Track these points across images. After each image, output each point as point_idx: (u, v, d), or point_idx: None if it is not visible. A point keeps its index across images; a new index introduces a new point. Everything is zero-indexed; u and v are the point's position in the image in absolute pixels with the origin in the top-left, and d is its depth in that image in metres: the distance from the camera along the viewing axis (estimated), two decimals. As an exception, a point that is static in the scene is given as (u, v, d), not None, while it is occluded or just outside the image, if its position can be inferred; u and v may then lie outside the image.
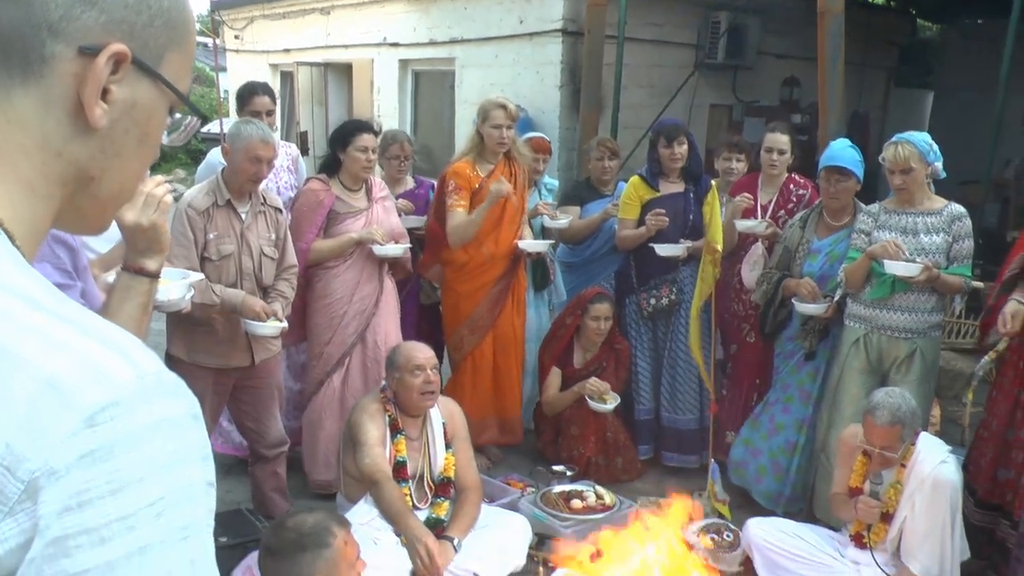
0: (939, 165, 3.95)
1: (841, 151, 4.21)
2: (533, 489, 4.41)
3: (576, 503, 4.19)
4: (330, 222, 4.31)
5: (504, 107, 4.52)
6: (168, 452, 0.78)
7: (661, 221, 4.68)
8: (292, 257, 3.95)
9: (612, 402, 4.65)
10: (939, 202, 4.00)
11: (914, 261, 3.84)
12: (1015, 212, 9.74)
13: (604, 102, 7.81)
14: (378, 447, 3.62)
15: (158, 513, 0.76)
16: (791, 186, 4.76)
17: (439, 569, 3.46)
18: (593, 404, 4.66)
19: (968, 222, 3.95)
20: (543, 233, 5.13)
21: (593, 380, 4.67)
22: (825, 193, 4.30)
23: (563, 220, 4.97)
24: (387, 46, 10.12)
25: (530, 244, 4.63)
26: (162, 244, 1.77)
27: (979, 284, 4.70)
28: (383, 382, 3.85)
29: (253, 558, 3.11)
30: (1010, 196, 10.12)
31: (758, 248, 4.69)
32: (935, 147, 3.92)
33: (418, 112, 10.32)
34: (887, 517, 3.51)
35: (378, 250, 4.29)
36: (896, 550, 3.52)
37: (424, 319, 5.10)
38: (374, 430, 3.65)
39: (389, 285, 4.51)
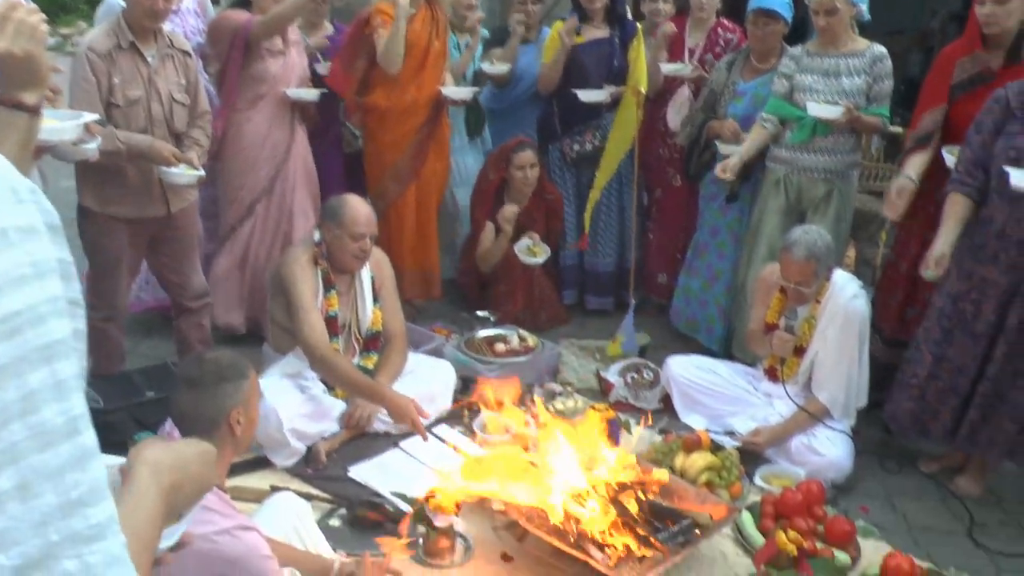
0: (864, 7, 3.92)
1: None
2: (458, 335, 4.45)
3: (500, 346, 4.25)
4: (249, 57, 4.16)
5: None
6: (20, 264, 0.73)
7: (572, 24, 4.61)
8: (205, 103, 3.81)
9: (542, 255, 4.64)
10: (862, 43, 3.98)
11: (836, 104, 3.85)
12: (939, 60, 9.75)
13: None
14: (315, 312, 3.57)
15: (13, 329, 0.72)
16: (719, 30, 4.72)
17: (420, 426, 3.55)
18: (524, 258, 4.66)
19: (888, 63, 3.95)
20: (474, 80, 5.02)
21: (526, 237, 4.62)
22: (753, 36, 4.27)
23: (502, 67, 4.87)
24: None
25: (454, 91, 4.51)
26: (40, 75, 1.63)
27: (898, 130, 4.74)
28: (316, 232, 3.75)
29: None
30: (934, 46, 10.14)
31: (684, 91, 4.67)
32: None
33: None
34: (800, 351, 3.65)
35: (292, 93, 4.17)
36: (807, 382, 3.67)
37: (347, 168, 4.99)
38: (307, 288, 3.58)
39: (300, 132, 4.39)
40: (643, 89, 4.20)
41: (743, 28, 4.53)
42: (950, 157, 3.47)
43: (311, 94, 4.23)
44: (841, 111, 3.79)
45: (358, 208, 3.62)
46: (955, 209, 3.29)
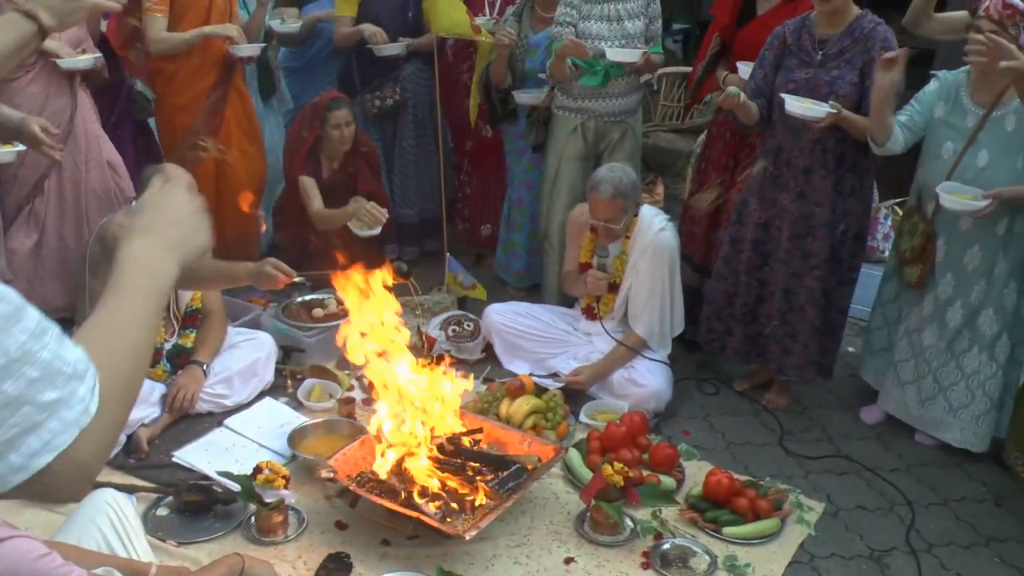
0: None
1: None
2: (275, 304, 4.30)
3: (318, 312, 4.13)
4: None
5: None
6: None
7: (378, 36, 4.51)
8: None
9: (379, 226, 4.43)
10: None
11: (634, 48, 3.90)
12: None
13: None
14: None
15: None
16: None
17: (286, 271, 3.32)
18: (357, 231, 4.51)
19: (659, 2, 4.06)
20: (265, 37, 4.77)
21: (371, 206, 4.41)
22: None
23: (294, 24, 4.68)
24: None
25: (242, 48, 4.27)
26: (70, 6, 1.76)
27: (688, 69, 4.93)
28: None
29: None
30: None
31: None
32: None
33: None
34: (614, 287, 3.74)
35: (65, 63, 3.82)
36: (623, 317, 3.77)
37: (142, 135, 4.69)
38: None
39: (85, 99, 4.05)
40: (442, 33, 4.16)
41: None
42: (745, 68, 3.71)
43: (85, 61, 3.89)
44: (639, 54, 3.86)
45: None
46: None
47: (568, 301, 4.17)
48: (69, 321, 3.82)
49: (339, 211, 4.45)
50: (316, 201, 4.50)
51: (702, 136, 5.50)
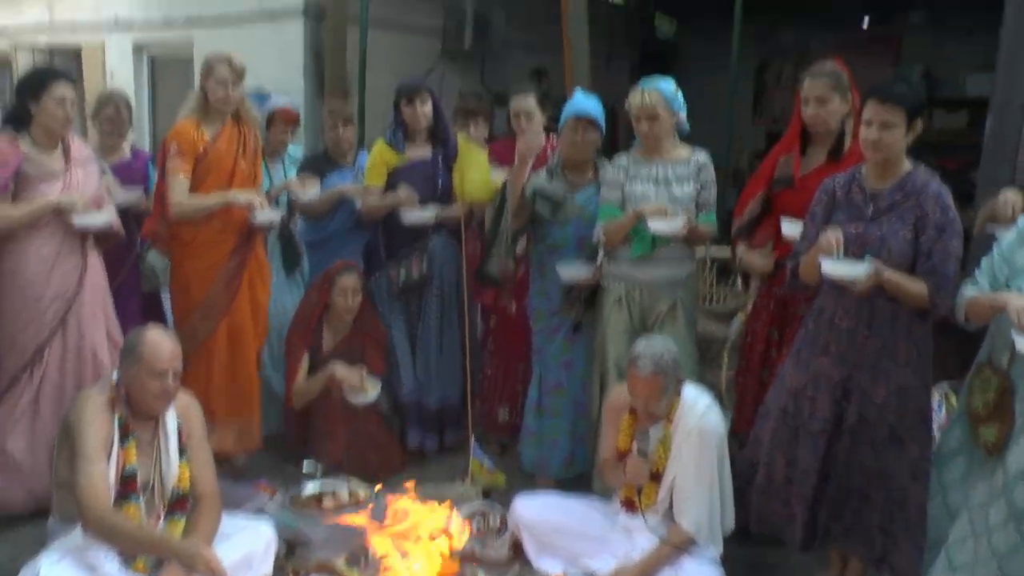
0: (683, 115, 3.90)
1: (586, 101, 4.08)
2: (283, 492, 3.94)
3: (327, 502, 3.77)
4: (19, 188, 3.65)
5: (228, 61, 4.05)
6: None
7: (411, 199, 4.38)
8: None
9: (373, 391, 4.21)
10: (685, 150, 3.94)
11: (675, 217, 3.72)
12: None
13: (350, 87, 7.46)
14: (100, 463, 3.00)
15: None
16: (549, 150, 4.56)
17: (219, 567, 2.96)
18: (352, 397, 4.24)
19: (712, 170, 3.93)
20: (288, 207, 4.70)
21: (354, 371, 4.22)
22: (571, 144, 4.08)
23: (312, 191, 4.55)
24: (120, 29, 9.23)
25: (261, 214, 4.11)
26: None
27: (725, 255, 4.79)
28: (115, 372, 3.23)
29: None
30: (745, 184, 10.74)
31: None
32: (680, 95, 3.87)
33: (156, 102, 9.50)
34: (657, 477, 3.36)
35: (79, 220, 3.69)
36: (668, 510, 3.38)
37: (148, 309, 4.51)
38: (97, 436, 3.02)
39: (95, 262, 3.88)
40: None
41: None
42: (790, 225, 3.53)
43: (100, 219, 3.77)
44: (681, 224, 3.68)
45: (158, 340, 3.13)
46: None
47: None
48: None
49: (314, 380, 4.23)
50: (299, 377, 4.31)
51: (737, 320, 5.29)
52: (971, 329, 3.05)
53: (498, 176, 4.51)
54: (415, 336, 4.62)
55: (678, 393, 3.34)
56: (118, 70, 9.37)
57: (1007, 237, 3.05)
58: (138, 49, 9.29)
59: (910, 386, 3.10)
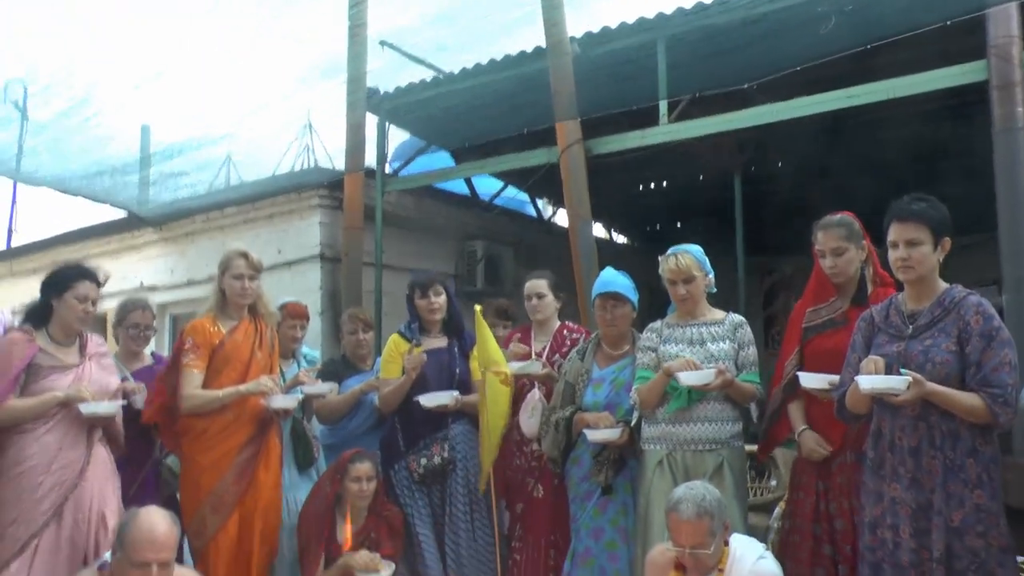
0: (712, 278, 3.97)
1: (614, 278, 4.17)
2: None
3: None
4: (31, 377, 3.64)
5: (245, 256, 4.17)
6: None
7: (419, 359, 4.34)
8: None
9: (386, 571, 3.94)
10: (719, 313, 3.97)
11: (708, 369, 3.66)
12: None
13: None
14: None
15: None
16: (564, 332, 4.61)
17: None
18: None
19: (749, 329, 3.92)
20: (303, 408, 4.64)
21: (362, 552, 3.97)
22: (603, 321, 4.15)
23: (324, 386, 4.52)
24: (144, 291, 9.53)
25: (278, 399, 4.06)
26: None
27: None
28: (106, 555, 3.02)
29: None
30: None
31: (534, 394, 4.39)
32: (707, 260, 3.94)
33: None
34: (712, 637, 3.03)
35: (86, 408, 3.64)
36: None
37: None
38: None
39: (102, 452, 3.78)
40: (506, 370, 3.97)
41: (588, 331, 4.44)
42: (809, 378, 3.47)
43: (106, 408, 3.71)
44: (713, 373, 3.61)
45: (149, 525, 2.97)
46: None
47: None
48: None
49: (330, 572, 4.03)
50: (319, 569, 4.08)
51: (777, 510, 5.00)
52: None
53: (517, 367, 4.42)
54: (442, 525, 4.39)
55: (726, 543, 3.10)
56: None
57: None
58: (162, 309, 9.53)
59: (985, 510, 2.88)
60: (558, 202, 10.06)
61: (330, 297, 7.81)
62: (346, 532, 4.02)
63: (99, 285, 3.88)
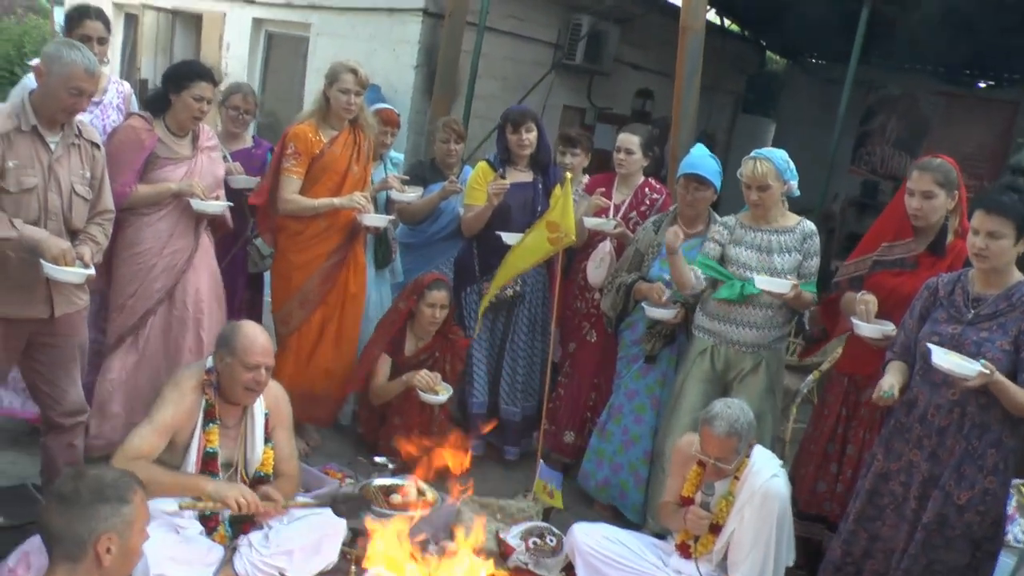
0: (794, 183, 3.96)
1: (701, 160, 4.18)
2: (352, 480, 4.13)
3: (395, 498, 3.92)
4: (148, 166, 3.88)
5: (355, 72, 4.24)
6: None
7: (502, 186, 4.50)
8: (108, 200, 3.46)
9: (444, 393, 4.40)
10: (792, 219, 4.00)
11: (783, 280, 3.78)
12: (839, 242, 10.27)
13: (458, 89, 7.65)
14: (157, 432, 3.21)
15: None
16: (646, 189, 4.71)
17: (261, 507, 3.25)
18: (424, 396, 4.42)
19: (817, 240, 3.97)
20: (387, 207, 4.86)
21: (424, 372, 4.42)
22: (682, 200, 4.24)
23: (411, 194, 4.71)
24: (241, 1, 9.54)
25: (370, 218, 4.33)
26: None
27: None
28: (209, 359, 3.45)
29: (33, 543, 2.70)
30: (835, 227, 10.67)
31: (605, 246, 4.59)
32: (792, 165, 3.92)
33: (267, 76, 9.77)
34: (715, 528, 3.45)
35: (197, 204, 3.92)
36: (721, 560, 3.47)
37: (251, 287, 4.76)
38: (173, 413, 3.25)
39: (206, 242, 4.12)
40: (572, 236, 4.15)
41: (670, 190, 4.54)
42: (859, 323, 3.56)
43: (215, 207, 3.99)
44: (789, 285, 3.72)
45: (254, 335, 3.33)
46: (895, 365, 3.32)
47: (659, 529, 3.91)
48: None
49: (394, 382, 4.44)
50: (380, 377, 4.50)
51: (810, 377, 5.34)
52: None
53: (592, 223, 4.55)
54: (502, 351, 4.77)
55: (747, 455, 3.44)
56: (235, 42, 9.69)
57: None
58: (257, 23, 9.57)
59: (992, 493, 3.13)
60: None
61: (427, 52, 7.82)
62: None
63: (215, 84, 4.02)
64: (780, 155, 3.91)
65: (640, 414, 4.36)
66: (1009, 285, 3.13)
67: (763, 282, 3.77)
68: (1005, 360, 3.03)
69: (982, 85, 11.02)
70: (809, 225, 3.99)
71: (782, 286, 3.74)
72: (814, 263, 3.95)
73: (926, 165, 3.62)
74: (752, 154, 3.92)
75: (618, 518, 4.38)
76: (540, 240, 4.24)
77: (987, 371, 2.91)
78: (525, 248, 4.32)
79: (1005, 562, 3.47)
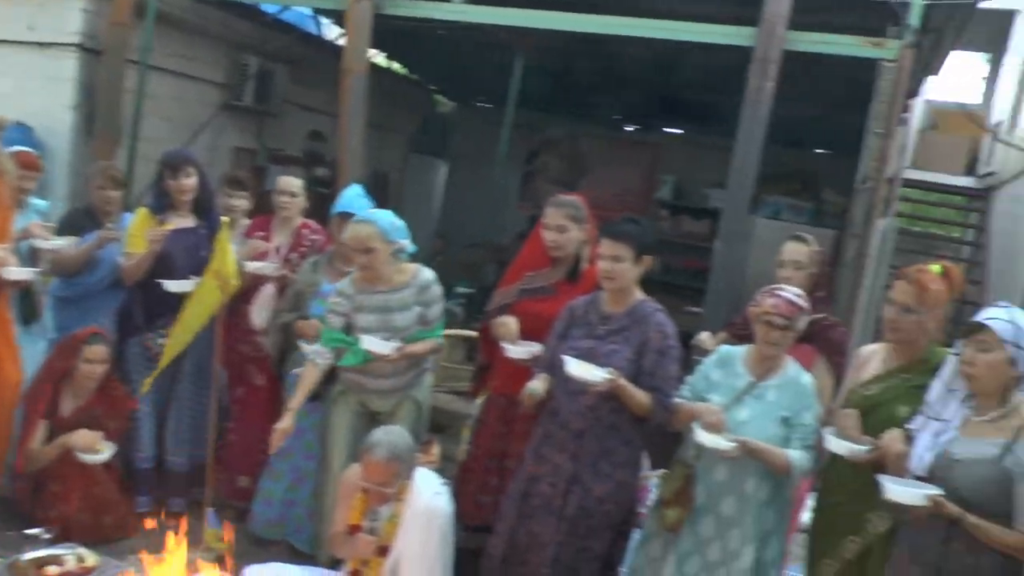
0: (405, 242, 3.98)
1: (353, 198, 4.36)
2: (1, 559, 3.82)
3: (51, 569, 3.69)
4: None
5: None
6: None
7: (161, 232, 4.42)
8: None
9: (106, 451, 4.22)
10: (407, 272, 4.03)
11: (386, 341, 3.86)
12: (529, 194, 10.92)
13: (122, 130, 7.28)
14: None
15: None
16: (304, 231, 4.82)
17: None
18: (83, 456, 4.21)
19: (436, 288, 4.06)
20: (31, 260, 4.56)
21: (83, 432, 4.21)
22: (339, 239, 4.33)
23: (59, 241, 4.47)
24: None
25: (12, 271, 4.06)
26: None
27: (473, 334, 5.11)
28: None
29: None
30: (506, 259, 11.28)
31: (268, 289, 4.64)
32: (399, 225, 3.97)
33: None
34: (384, 550, 3.60)
35: None
36: (393, 580, 3.62)
37: None
38: None
39: None
40: (234, 282, 4.13)
41: (328, 234, 4.67)
42: (508, 346, 3.89)
43: None
44: (391, 347, 3.81)
45: None
46: (541, 376, 3.68)
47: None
48: None
49: (50, 446, 4.24)
50: (34, 442, 4.27)
51: (480, 400, 5.66)
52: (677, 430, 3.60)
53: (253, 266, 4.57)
54: (168, 400, 4.66)
55: (409, 477, 3.63)
56: None
57: (707, 359, 3.68)
58: None
59: (625, 482, 3.63)
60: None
61: (87, 91, 7.38)
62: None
63: None
64: (386, 216, 3.96)
65: (310, 450, 4.42)
66: (632, 303, 3.62)
67: (368, 343, 3.81)
68: (628, 368, 3.51)
69: (630, 129, 12.35)
70: (425, 275, 4.03)
71: (385, 347, 3.80)
72: (435, 310, 4.05)
73: (559, 202, 4.05)
74: (354, 217, 3.99)
75: (294, 554, 4.42)
76: (211, 291, 4.22)
77: (612, 376, 3.38)
78: (199, 302, 4.28)
79: (634, 538, 3.91)
